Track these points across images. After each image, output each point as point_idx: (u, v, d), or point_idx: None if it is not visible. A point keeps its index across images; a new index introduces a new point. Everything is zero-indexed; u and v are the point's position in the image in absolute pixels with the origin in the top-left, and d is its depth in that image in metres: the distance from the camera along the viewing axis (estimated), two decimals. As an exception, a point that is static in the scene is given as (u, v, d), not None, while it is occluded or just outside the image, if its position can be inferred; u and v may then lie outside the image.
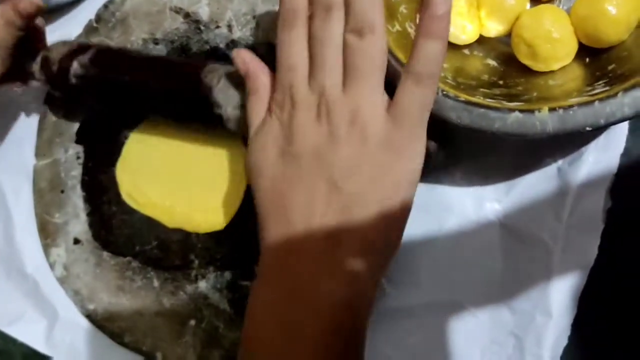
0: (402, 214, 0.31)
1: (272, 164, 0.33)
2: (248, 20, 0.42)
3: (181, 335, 0.41)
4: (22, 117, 0.48)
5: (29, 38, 0.42)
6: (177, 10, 0.44)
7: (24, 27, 0.41)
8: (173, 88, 0.39)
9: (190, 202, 0.42)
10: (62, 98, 0.45)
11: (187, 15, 0.43)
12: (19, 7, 0.40)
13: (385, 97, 0.31)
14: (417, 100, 0.30)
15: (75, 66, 0.41)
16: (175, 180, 0.43)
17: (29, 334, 0.46)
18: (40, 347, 0.45)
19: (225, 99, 0.37)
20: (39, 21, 0.43)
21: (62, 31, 0.48)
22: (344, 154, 0.31)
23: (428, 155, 0.32)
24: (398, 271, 0.39)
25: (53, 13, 0.49)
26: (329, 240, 0.31)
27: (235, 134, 0.39)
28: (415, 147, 0.31)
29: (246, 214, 0.41)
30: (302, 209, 0.31)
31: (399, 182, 0.31)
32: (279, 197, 0.32)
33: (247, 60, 0.35)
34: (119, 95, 0.41)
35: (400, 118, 0.31)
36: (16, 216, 0.47)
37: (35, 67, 0.42)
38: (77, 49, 0.41)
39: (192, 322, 0.41)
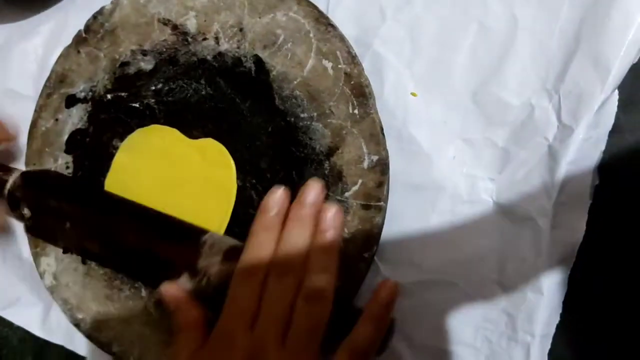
0: None
1: None
2: (235, 33, 0.42)
3: (169, 345, 0.41)
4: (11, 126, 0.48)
5: None
6: (165, 22, 0.43)
7: None
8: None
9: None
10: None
11: (175, 27, 0.43)
12: None
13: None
14: None
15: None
16: (163, 198, 0.42)
17: (25, 317, 0.46)
18: (36, 331, 0.46)
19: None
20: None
21: (58, 17, 0.49)
22: None
23: None
24: (392, 250, 0.39)
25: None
26: None
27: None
28: None
29: (233, 226, 0.41)
30: None
31: None
32: None
33: (176, 296, 0.36)
34: None
35: None
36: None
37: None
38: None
39: None
